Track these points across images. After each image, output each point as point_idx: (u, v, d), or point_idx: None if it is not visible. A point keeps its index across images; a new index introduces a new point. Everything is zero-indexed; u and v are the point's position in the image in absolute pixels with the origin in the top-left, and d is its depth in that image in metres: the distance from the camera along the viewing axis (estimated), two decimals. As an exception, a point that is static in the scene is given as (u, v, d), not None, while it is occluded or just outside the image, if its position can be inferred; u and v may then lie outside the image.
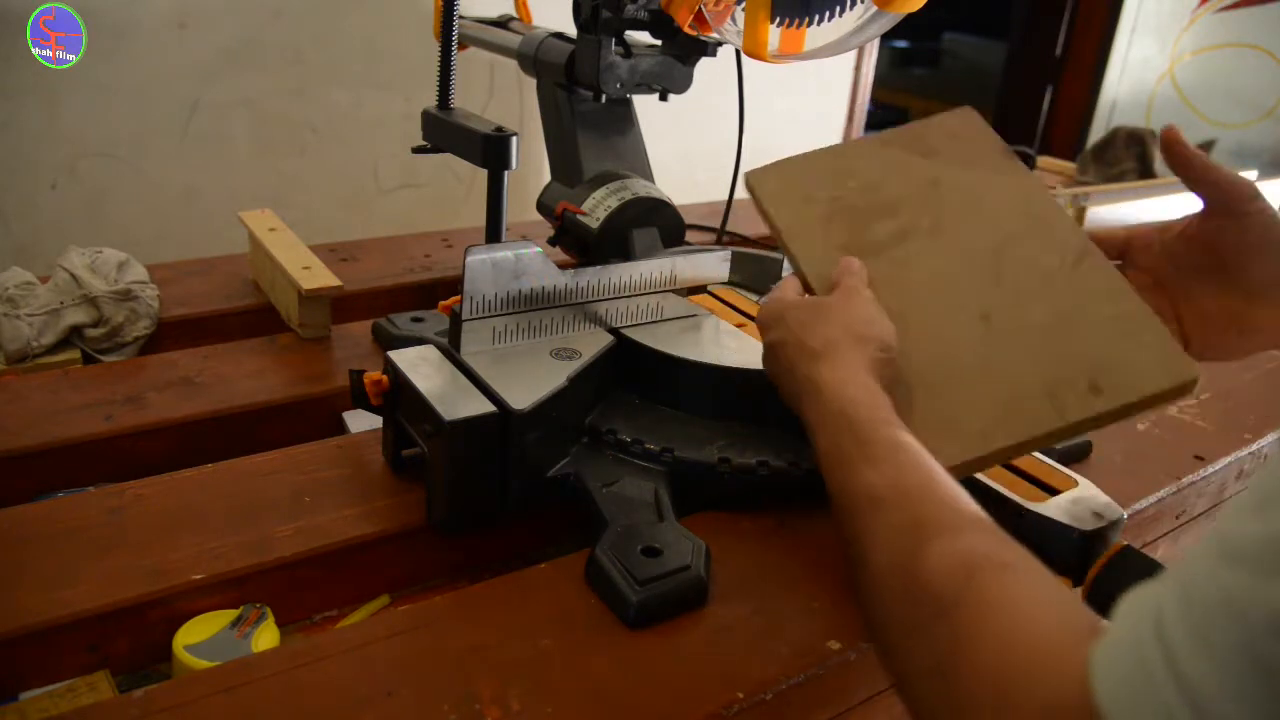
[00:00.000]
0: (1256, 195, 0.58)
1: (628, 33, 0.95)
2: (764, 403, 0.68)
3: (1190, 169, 0.59)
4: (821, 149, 0.72)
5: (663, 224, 0.97)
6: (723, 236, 1.17)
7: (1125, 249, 0.64)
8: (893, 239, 0.66)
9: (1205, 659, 0.29)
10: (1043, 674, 0.34)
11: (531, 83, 1.08)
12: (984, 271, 0.63)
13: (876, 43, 2.19)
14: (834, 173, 0.71)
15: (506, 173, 0.93)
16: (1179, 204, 1.41)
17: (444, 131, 0.97)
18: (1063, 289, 0.61)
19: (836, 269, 0.63)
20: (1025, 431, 0.57)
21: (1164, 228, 0.63)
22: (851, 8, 0.79)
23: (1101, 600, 0.58)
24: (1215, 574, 0.30)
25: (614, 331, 0.77)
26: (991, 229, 0.65)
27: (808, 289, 0.65)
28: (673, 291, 0.80)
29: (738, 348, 0.77)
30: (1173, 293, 0.62)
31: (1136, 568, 0.58)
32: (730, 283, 0.90)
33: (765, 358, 0.62)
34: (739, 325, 0.82)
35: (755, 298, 0.89)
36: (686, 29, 0.92)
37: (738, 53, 0.97)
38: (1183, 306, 0.61)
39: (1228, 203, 0.58)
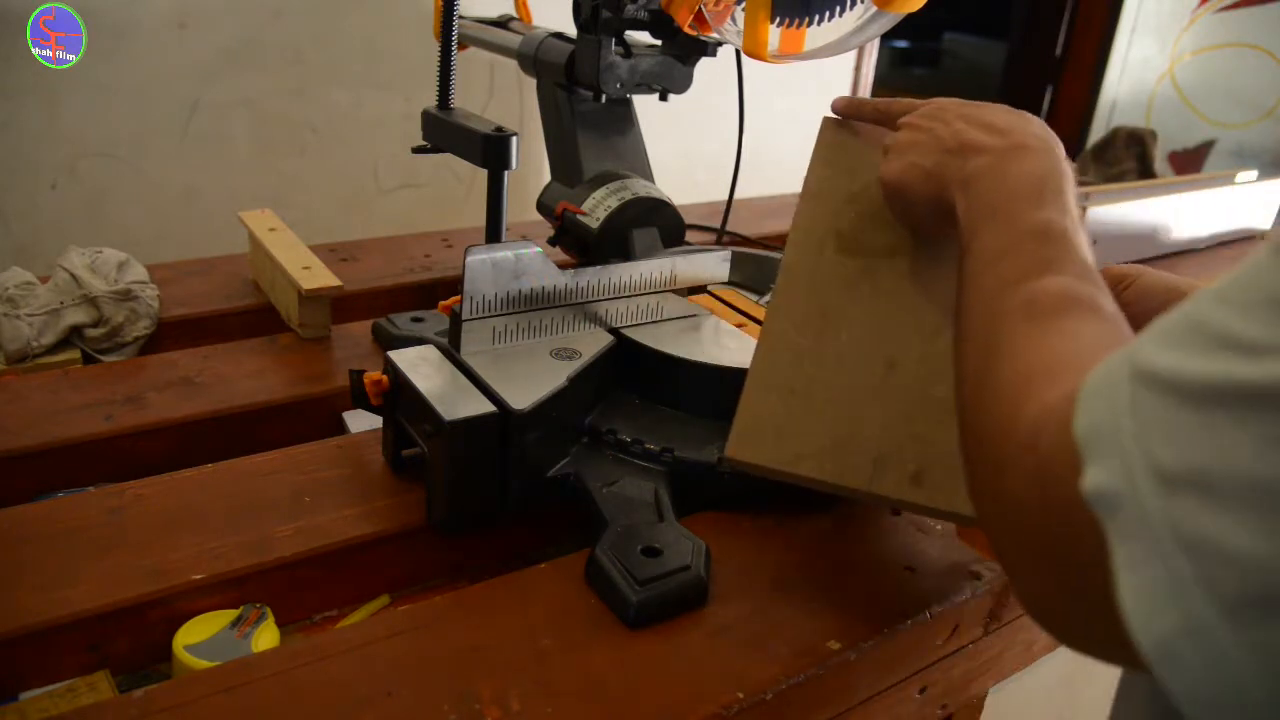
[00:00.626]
0: (1122, 275, 0.62)
1: (628, 33, 0.95)
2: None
3: None
4: None
5: (663, 224, 0.97)
6: (723, 236, 1.17)
7: None
8: (879, 251, 0.66)
9: (1164, 370, 0.31)
10: (1059, 383, 0.37)
11: (531, 83, 1.08)
12: (925, 326, 0.63)
13: (876, 43, 2.19)
14: None
15: (506, 173, 0.93)
16: (1179, 204, 1.41)
17: (444, 131, 0.97)
18: None
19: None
20: (832, 475, 0.59)
21: None
22: (851, 8, 0.79)
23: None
24: (1197, 304, 0.32)
25: (614, 331, 0.77)
26: None
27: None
28: (673, 291, 0.80)
29: (738, 348, 0.77)
30: None
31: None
32: (730, 283, 0.90)
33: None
34: (739, 325, 0.82)
35: (755, 298, 0.89)
36: (686, 29, 0.92)
37: (738, 53, 0.97)
38: None
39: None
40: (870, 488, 0.59)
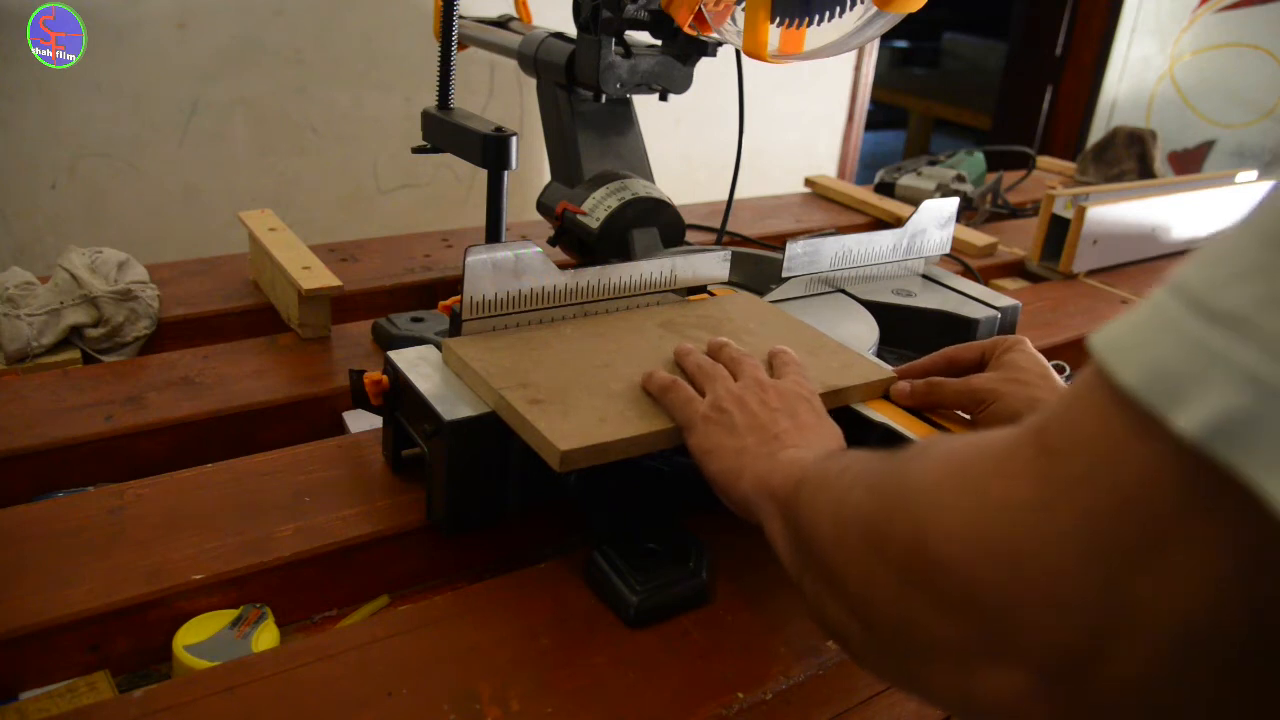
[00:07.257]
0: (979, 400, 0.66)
1: (628, 33, 0.95)
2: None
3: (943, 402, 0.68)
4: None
5: (663, 224, 0.97)
6: (723, 236, 1.17)
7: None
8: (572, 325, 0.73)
9: (1224, 277, 0.29)
10: (987, 440, 0.35)
11: (531, 83, 1.08)
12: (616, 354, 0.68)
13: (876, 43, 2.19)
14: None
15: (506, 173, 0.93)
16: (1179, 204, 1.41)
17: (444, 131, 0.97)
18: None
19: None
20: (641, 428, 0.61)
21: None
22: (851, 8, 0.79)
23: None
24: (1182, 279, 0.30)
25: (614, 331, 0.77)
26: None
27: None
28: (673, 291, 0.80)
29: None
30: None
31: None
32: (730, 283, 0.90)
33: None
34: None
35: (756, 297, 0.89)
36: (686, 29, 0.92)
37: (738, 53, 0.97)
38: None
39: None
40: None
